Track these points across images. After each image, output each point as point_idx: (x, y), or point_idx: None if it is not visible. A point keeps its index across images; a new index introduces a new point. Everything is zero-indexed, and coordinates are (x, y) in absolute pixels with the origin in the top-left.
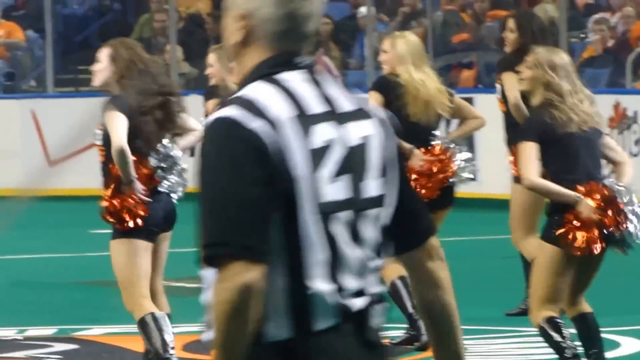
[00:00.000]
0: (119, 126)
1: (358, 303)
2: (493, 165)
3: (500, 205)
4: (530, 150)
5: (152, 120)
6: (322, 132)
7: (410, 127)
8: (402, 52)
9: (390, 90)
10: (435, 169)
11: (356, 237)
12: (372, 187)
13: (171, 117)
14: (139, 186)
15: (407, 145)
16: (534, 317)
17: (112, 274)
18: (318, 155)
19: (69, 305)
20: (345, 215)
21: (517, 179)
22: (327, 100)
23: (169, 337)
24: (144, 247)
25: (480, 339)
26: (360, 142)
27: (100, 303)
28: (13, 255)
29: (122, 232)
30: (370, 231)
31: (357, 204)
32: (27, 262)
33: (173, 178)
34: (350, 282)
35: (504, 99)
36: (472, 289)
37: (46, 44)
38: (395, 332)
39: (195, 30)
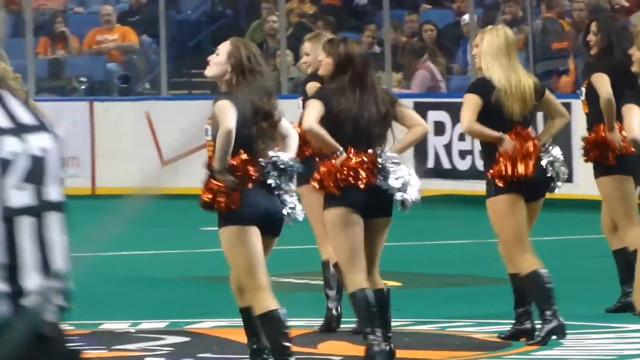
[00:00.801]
0: (230, 113)
1: (34, 300)
2: (589, 167)
3: (595, 206)
4: None
5: (259, 122)
6: (8, 144)
7: (508, 123)
8: (487, 47)
9: (486, 91)
10: (531, 148)
11: (40, 240)
12: (52, 193)
13: (274, 122)
14: (229, 177)
15: (494, 133)
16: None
17: (221, 270)
18: (5, 165)
19: (180, 299)
20: (29, 219)
21: (602, 171)
22: (10, 115)
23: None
24: (251, 231)
25: (581, 334)
26: (41, 153)
27: (211, 297)
28: (128, 252)
29: (226, 219)
30: (55, 233)
31: (40, 209)
32: (142, 258)
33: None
34: (31, 283)
35: (587, 101)
36: (570, 287)
37: (160, 49)
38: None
39: (303, 35)
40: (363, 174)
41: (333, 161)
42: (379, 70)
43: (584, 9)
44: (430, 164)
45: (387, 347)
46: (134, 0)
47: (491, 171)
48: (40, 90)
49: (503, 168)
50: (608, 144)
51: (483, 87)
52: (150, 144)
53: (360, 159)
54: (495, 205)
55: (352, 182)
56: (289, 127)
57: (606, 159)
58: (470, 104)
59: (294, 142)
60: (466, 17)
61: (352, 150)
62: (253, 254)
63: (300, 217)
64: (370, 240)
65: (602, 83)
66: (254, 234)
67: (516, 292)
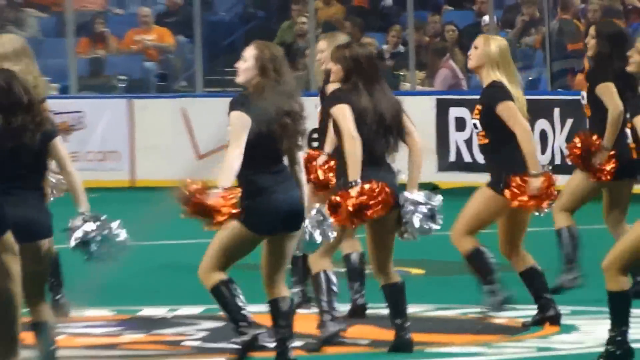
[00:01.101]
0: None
1: None
2: None
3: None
4: None
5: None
6: None
7: None
8: (496, 53)
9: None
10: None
11: None
12: None
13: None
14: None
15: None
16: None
17: (253, 258)
18: None
19: None
20: None
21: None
22: None
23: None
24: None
25: (596, 319)
26: None
27: (242, 285)
28: (166, 241)
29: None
30: None
31: None
32: (179, 247)
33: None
34: None
35: (589, 106)
36: (587, 273)
37: (196, 48)
38: (519, 312)
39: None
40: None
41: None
42: (403, 69)
43: (598, 10)
44: (452, 157)
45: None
46: (170, 2)
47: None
48: (81, 88)
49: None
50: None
51: (509, 93)
52: (186, 139)
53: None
54: (495, 200)
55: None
56: None
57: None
58: (515, 110)
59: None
60: (486, 18)
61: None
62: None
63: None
64: (383, 239)
65: (611, 94)
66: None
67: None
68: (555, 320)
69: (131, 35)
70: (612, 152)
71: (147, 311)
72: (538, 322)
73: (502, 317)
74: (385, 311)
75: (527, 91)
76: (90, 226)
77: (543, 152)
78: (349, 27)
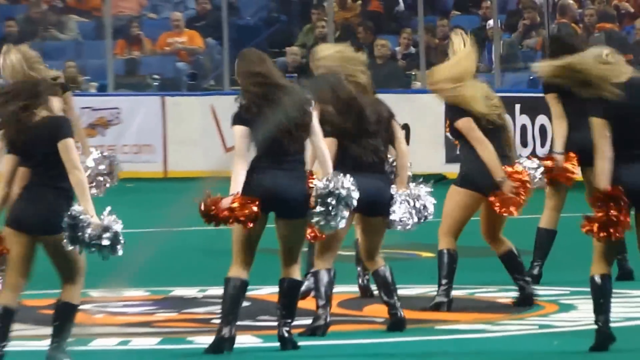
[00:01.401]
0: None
1: None
2: None
3: None
4: None
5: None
6: None
7: None
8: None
9: None
10: None
11: None
12: None
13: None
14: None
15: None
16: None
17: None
18: None
19: None
20: None
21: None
22: None
23: None
24: None
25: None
26: None
27: (267, 268)
28: (196, 227)
29: None
30: None
31: None
32: (208, 232)
33: None
34: None
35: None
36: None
37: (223, 50)
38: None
39: (348, 37)
40: None
41: None
42: (414, 69)
43: (594, 14)
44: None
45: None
46: (200, 7)
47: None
48: (118, 86)
49: None
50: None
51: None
52: (214, 133)
53: None
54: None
55: None
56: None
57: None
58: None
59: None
60: (491, 22)
61: None
62: None
63: None
64: (371, 233)
65: (552, 104)
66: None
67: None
68: (529, 300)
69: (164, 38)
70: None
71: (179, 292)
72: (521, 301)
73: (505, 298)
74: (405, 291)
75: (529, 89)
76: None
77: (543, 144)
78: (362, 30)
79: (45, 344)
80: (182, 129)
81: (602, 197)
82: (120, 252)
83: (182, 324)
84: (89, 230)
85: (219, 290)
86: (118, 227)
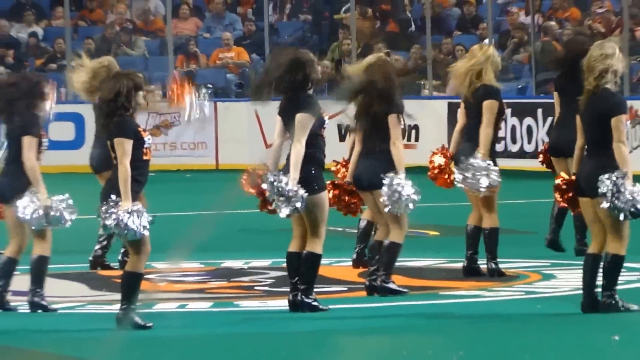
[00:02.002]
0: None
1: None
2: None
3: None
4: None
5: None
6: None
7: None
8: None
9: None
10: None
11: None
12: None
13: None
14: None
15: None
16: None
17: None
18: None
19: (282, 245)
20: None
21: None
22: None
23: None
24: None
25: (573, 269)
26: None
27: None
28: (241, 210)
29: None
30: None
31: None
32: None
33: None
34: None
35: None
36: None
37: (265, 64)
38: (512, 264)
39: (368, 53)
40: None
41: None
42: (423, 79)
43: (571, 34)
44: None
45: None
46: (246, 28)
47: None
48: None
49: None
50: None
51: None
52: (257, 133)
53: None
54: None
55: None
56: None
57: None
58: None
59: None
60: (486, 40)
61: None
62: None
63: None
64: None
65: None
66: None
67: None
68: (499, 273)
69: (216, 54)
70: None
71: (228, 263)
72: (494, 272)
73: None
74: (416, 263)
75: (517, 95)
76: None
77: (529, 142)
78: (382, 47)
79: (116, 308)
80: (230, 129)
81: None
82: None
83: (230, 291)
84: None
85: (260, 262)
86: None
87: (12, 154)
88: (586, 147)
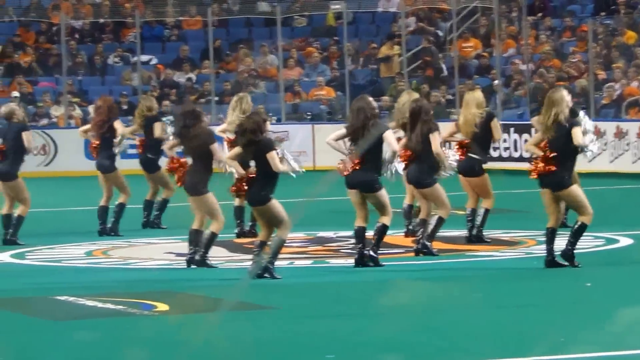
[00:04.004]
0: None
1: None
2: None
3: None
4: None
5: None
6: None
7: None
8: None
9: None
10: None
11: None
12: None
13: None
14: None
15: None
16: None
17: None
18: None
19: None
20: None
21: None
22: None
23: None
24: None
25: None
26: None
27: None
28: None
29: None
30: None
31: None
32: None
33: None
34: None
35: None
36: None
37: (346, 98)
38: (514, 233)
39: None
40: None
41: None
42: (452, 109)
43: (554, 76)
44: None
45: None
46: (333, 74)
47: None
48: (287, 118)
49: None
50: None
51: None
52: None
53: None
54: None
55: None
56: None
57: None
58: None
59: None
60: (496, 81)
61: None
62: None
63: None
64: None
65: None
66: None
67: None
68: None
69: (313, 92)
70: None
71: (322, 234)
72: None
73: (506, 235)
74: (447, 233)
75: (518, 118)
76: None
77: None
78: (425, 87)
79: (246, 265)
80: (323, 142)
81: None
82: None
83: (323, 252)
84: None
85: (345, 233)
86: None
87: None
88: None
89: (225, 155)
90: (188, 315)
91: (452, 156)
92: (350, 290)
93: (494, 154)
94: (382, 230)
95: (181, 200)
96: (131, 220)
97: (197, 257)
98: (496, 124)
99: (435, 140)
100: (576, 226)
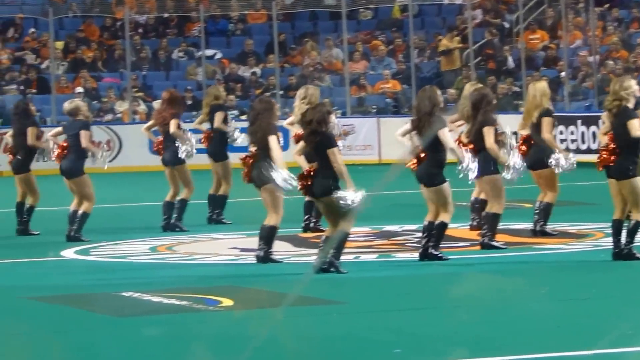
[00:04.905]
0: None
1: None
2: None
3: None
4: None
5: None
6: None
7: None
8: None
9: None
10: None
11: None
12: None
13: None
14: None
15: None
16: None
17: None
18: None
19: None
20: None
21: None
22: None
23: None
24: None
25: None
26: None
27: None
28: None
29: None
30: None
31: None
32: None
33: None
34: None
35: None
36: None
37: (412, 91)
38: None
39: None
40: None
41: None
42: (519, 100)
43: (621, 68)
44: None
45: None
46: (399, 67)
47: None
48: (353, 112)
49: None
50: None
51: None
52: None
53: None
54: None
55: None
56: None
57: None
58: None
59: None
60: (563, 73)
61: None
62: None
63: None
64: None
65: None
66: None
67: None
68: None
69: (379, 85)
70: None
71: (387, 228)
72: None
73: (574, 228)
74: (515, 226)
75: (585, 110)
76: None
77: (594, 142)
78: (493, 79)
79: (311, 259)
80: (388, 136)
81: None
82: None
83: (389, 246)
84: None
85: (410, 227)
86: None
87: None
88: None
89: (279, 151)
90: (253, 311)
91: (513, 158)
92: (416, 284)
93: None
94: (441, 228)
95: (245, 195)
96: (196, 216)
97: (261, 253)
98: (547, 121)
99: (488, 134)
100: (631, 225)
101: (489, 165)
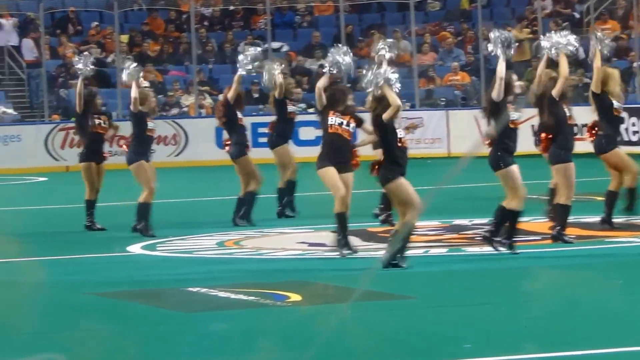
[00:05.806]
0: None
1: None
2: None
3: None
4: None
5: None
6: None
7: None
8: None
9: None
10: None
11: None
12: None
13: None
14: None
15: None
16: None
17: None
18: None
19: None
20: None
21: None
22: None
23: None
24: None
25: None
26: None
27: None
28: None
29: None
30: None
31: None
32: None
33: None
34: None
35: None
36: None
37: (481, 83)
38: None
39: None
40: None
41: None
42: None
43: None
44: None
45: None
46: (467, 59)
47: None
48: (421, 104)
49: None
50: None
51: None
52: (476, 131)
53: None
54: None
55: None
56: None
57: None
58: None
59: None
60: (635, 64)
61: None
62: None
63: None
64: None
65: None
66: None
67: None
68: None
69: (447, 77)
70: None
71: (457, 221)
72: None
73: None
74: (588, 219)
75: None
76: None
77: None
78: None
79: (379, 253)
80: (457, 129)
81: None
82: None
83: (458, 240)
84: None
85: (480, 220)
86: None
87: None
88: None
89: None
90: (321, 306)
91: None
92: (486, 278)
93: (627, 138)
94: (505, 215)
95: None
96: (266, 210)
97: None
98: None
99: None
100: None
101: (560, 153)
